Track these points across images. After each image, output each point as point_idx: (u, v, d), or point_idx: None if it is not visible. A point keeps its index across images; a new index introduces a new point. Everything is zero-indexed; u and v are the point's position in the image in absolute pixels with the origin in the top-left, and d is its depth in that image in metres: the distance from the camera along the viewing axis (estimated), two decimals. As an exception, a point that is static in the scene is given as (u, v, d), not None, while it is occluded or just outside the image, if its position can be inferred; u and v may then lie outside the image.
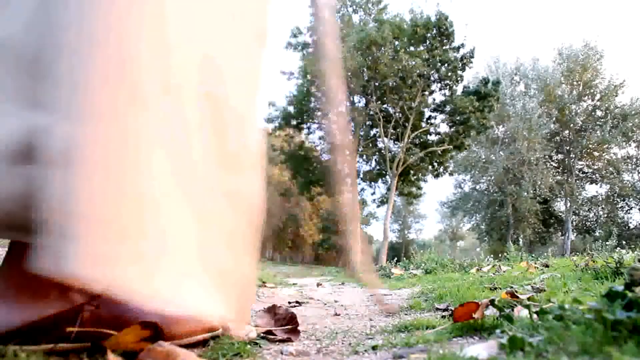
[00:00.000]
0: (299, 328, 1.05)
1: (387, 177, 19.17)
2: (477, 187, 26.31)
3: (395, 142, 18.68)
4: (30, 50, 0.61)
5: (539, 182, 22.53)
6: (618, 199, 24.84)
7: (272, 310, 1.15)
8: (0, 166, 0.58)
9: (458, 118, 17.21)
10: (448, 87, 17.44)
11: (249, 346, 0.86)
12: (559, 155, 25.32)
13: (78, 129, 0.55)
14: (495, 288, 1.64)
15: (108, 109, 0.57)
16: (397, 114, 17.62)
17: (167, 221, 0.62)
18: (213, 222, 0.72)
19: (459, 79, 17.13)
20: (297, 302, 1.98)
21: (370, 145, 19.72)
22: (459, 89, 17.63)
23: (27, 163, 0.57)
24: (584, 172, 25.61)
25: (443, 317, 1.20)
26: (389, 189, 18.73)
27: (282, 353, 0.85)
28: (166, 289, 0.62)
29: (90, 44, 0.57)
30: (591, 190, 26.05)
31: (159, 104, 0.62)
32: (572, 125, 24.07)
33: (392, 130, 17.86)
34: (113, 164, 0.57)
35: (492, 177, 24.44)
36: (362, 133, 19.49)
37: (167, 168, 0.63)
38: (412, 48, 16.32)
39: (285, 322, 1.06)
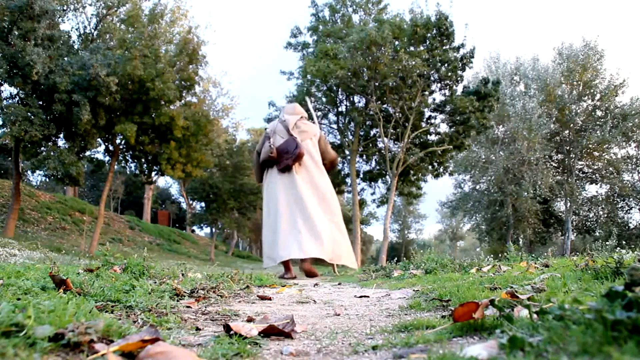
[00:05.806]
0: (298, 328, 1.05)
1: (387, 177, 19.17)
2: (477, 187, 26.30)
3: (395, 142, 18.68)
4: None
5: (539, 182, 22.51)
6: (618, 199, 24.84)
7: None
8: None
9: (458, 118, 17.21)
10: (448, 87, 17.44)
11: (249, 346, 0.86)
12: (559, 155, 25.31)
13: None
14: (495, 288, 1.64)
15: None
16: (397, 114, 17.62)
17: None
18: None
19: (459, 79, 17.11)
20: (297, 301, 1.98)
21: (370, 145, 19.71)
22: (459, 89, 17.63)
23: None
24: (584, 172, 25.60)
25: (443, 317, 1.19)
26: (389, 189, 18.73)
27: (282, 353, 0.85)
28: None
29: None
30: (591, 190, 26.05)
31: None
32: (572, 125, 24.06)
33: (392, 130, 17.85)
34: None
35: (492, 177, 24.42)
36: (362, 133, 19.48)
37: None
38: (412, 48, 16.31)
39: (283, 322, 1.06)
